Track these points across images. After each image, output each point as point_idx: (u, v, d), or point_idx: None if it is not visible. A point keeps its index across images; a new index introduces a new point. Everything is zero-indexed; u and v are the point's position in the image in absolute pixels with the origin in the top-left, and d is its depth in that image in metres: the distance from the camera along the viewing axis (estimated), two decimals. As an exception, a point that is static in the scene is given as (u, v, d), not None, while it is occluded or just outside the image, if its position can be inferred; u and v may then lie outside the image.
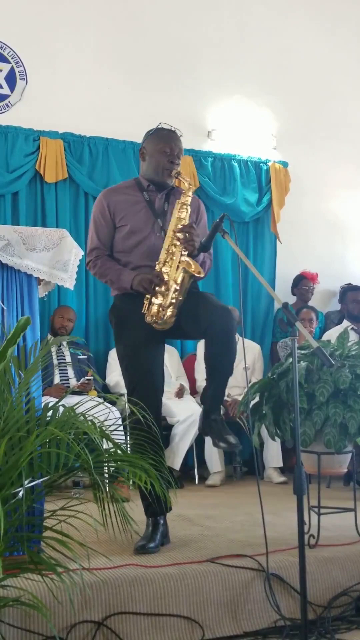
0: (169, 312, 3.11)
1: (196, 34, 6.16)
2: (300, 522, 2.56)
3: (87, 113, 5.74)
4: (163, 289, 3.10)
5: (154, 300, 3.12)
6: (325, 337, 5.43)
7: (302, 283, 6.24)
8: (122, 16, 5.95)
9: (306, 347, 3.51)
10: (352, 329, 5.40)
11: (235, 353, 3.18)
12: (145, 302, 3.14)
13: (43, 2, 5.71)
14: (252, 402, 3.49)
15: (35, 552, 2.24)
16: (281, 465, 5.29)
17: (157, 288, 3.10)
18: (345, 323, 5.69)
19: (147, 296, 3.13)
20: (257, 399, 3.54)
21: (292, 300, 6.27)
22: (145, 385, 3.15)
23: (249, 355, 5.46)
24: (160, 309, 3.11)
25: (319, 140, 6.59)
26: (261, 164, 6.34)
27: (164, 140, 3.25)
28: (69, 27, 5.76)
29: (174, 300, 3.10)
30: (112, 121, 5.80)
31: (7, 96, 5.57)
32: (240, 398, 5.22)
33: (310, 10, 6.62)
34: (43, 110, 5.60)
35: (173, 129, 3.31)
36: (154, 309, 3.12)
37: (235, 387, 5.38)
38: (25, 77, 5.61)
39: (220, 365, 3.17)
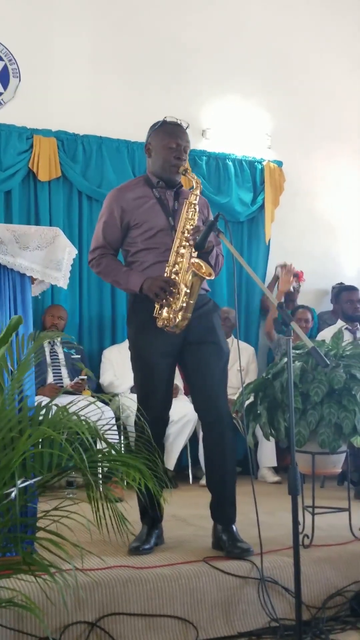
0: (179, 316, 3.03)
1: (191, 33, 6.14)
2: (295, 523, 2.55)
3: (81, 111, 5.71)
4: (174, 292, 3.03)
5: (164, 303, 3.05)
6: (319, 337, 5.42)
7: None
8: (117, 14, 5.93)
9: (301, 346, 3.50)
10: (346, 328, 5.40)
11: (233, 453, 3.24)
12: (157, 305, 3.07)
13: (38, 0, 5.67)
14: (247, 402, 3.48)
15: (29, 553, 2.22)
16: (275, 464, 5.28)
17: (168, 293, 3.02)
18: (340, 323, 5.68)
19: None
20: (251, 398, 3.53)
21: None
22: (152, 405, 3.11)
23: (242, 357, 5.45)
24: (172, 313, 3.04)
25: (314, 139, 6.58)
26: (256, 163, 6.33)
27: (169, 136, 3.19)
28: (63, 24, 5.73)
29: (184, 304, 3.02)
30: (106, 120, 5.78)
31: (0, 94, 5.54)
32: (233, 397, 5.21)
33: (305, 11, 6.61)
34: (36, 108, 5.57)
35: (179, 122, 3.24)
36: (164, 313, 3.06)
37: (230, 388, 5.35)
38: (18, 74, 5.59)
39: (213, 462, 3.22)
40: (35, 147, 5.49)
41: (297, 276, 6.22)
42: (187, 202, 3.15)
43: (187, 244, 3.07)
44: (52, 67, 5.68)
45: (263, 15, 6.43)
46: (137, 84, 5.93)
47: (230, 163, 6.22)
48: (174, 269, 3.08)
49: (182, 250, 3.08)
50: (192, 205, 3.14)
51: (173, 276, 3.07)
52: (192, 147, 5.89)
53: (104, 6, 5.90)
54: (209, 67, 6.19)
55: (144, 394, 3.17)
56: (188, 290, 3.02)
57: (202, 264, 3.03)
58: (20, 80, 5.59)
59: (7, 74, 5.56)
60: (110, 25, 5.91)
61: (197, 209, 3.14)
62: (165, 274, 3.08)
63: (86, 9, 5.84)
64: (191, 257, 3.05)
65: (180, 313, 3.03)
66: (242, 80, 6.31)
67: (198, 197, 3.16)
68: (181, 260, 3.07)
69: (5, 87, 5.56)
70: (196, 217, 3.13)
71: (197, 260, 3.03)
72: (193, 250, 3.05)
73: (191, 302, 3.04)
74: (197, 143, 6.11)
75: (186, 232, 3.09)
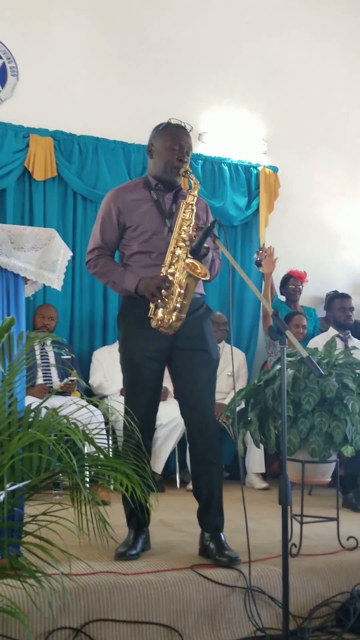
0: (173, 317, 3.00)
1: (190, 36, 6.14)
2: (285, 535, 2.53)
3: (78, 112, 5.70)
4: (169, 292, 3.01)
5: (159, 303, 3.02)
6: (310, 344, 5.42)
7: (290, 282, 6.22)
8: (116, 16, 5.91)
9: (293, 354, 3.49)
10: (338, 336, 5.39)
11: (219, 460, 3.21)
12: (152, 305, 3.04)
13: (37, -1, 5.67)
14: (238, 408, 3.46)
15: (15, 557, 2.19)
16: (263, 471, 5.27)
17: (164, 293, 2.99)
18: (331, 330, 5.68)
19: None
20: (242, 405, 3.52)
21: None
22: (139, 407, 3.05)
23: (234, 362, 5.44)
24: (166, 314, 3.01)
25: (310, 146, 6.59)
26: (251, 168, 6.33)
27: (172, 137, 3.17)
28: (62, 24, 5.72)
29: (178, 305, 3.00)
30: (103, 121, 5.77)
31: (-3, 92, 5.53)
32: (223, 402, 5.20)
33: (302, 17, 6.62)
34: (34, 107, 5.55)
35: (183, 124, 3.22)
36: (160, 313, 3.03)
37: (219, 392, 5.34)
38: (16, 73, 5.56)
39: (199, 470, 3.19)
40: (31, 146, 5.46)
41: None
42: (184, 202, 3.12)
43: (184, 244, 3.04)
44: (50, 67, 5.66)
45: (262, 22, 6.43)
46: (135, 87, 5.91)
47: (225, 167, 6.22)
48: (169, 270, 3.05)
49: (177, 251, 3.06)
50: (189, 206, 3.11)
51: (169, 277, 3.04)
52: (188, 151, 5.96)
53: (103, 8, 5.88)
54: (206, 71, 6.19)
55: (131, 395, 3.16)
56: (182, 291, 3.00)
57: (197, 264, 3.00)
58: (18, 79, 5.57)
59: (5, 72, 5.53)
60: (108, 27, 5.89)
61: (195, 210, 3.11)
62: (162, 275, 3.05)
63: (85, 10, 5.82)
64: (187, 257, 3.02)
65: (174, 314, 3.01)
66: (239, 85, 6.31)
67: (196, 198, 3.14)
68: (177, 261, 3.05)
69: (3, 86, 5.53)
70: (193, 218, 3.10)
71: (192, 260, 3.00)
72: (189, 251, 3.03)
73: (185, 302, 3.01)
74: (193, 146, 6.07)
75: (183, 232, 3.06)
